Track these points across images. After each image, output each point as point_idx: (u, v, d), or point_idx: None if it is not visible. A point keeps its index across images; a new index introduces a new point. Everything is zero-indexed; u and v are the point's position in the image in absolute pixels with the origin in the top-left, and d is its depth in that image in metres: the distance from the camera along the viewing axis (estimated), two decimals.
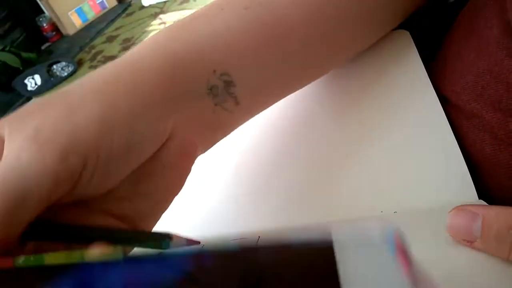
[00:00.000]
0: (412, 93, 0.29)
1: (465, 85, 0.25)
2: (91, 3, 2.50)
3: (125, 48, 2.12)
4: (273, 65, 0.24)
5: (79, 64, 2.12)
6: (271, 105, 0.27)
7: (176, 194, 0.21)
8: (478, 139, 0.24)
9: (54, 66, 2.05)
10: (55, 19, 2.38)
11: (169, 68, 0.20)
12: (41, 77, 1.99)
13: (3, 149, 0.16)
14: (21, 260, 0.14)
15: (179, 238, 0.17)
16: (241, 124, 0.25)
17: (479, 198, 0.24)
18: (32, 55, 2.16)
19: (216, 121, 0.22)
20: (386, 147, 0.27)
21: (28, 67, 2.08)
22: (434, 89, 0.28)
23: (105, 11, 2.58)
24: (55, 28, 2.40)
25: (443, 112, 0.27)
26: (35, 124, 0.16)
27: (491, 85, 0.23)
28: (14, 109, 1.72)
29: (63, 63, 2.07)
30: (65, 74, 2.03)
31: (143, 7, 2.53)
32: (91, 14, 2.52)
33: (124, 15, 2.54)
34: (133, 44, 2.14)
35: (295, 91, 0.28)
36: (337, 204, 0.26)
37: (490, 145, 0.23)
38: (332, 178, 0.27)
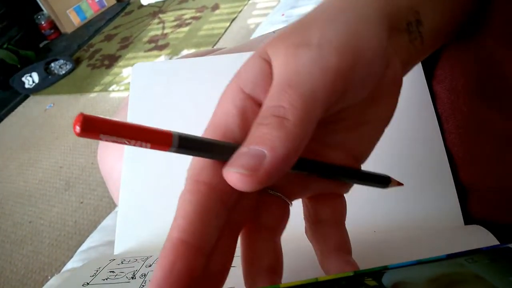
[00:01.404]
0: (409, 105, 0.29)
1: (464, 83, 0.25)
2: (89, 1, 2.50)
3: (123, 47, 2.12)
4: (450, 7, 0.23)
5: (77, 62, 2.11)
6: (439, 47, 0.26)
7: (387, 125, 0.21)
8: (479, 138, 0.25)
9: (52, 64, 2.04)
10: (53, 17, 2.38)
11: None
12: (38, 75, 1.99)
13: (271, 72, 0.17)
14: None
15: (394, 181, 0.20)
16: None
17: (476, 192, 0.24)
18: (30, 53, 2.16)
19: (406, 57, 0.22)
20: (376, 159, 0.28)
21: (26, 64, 2.07)
22: (435, 88, 0.29)
23: (103, 9, 2.58)
24: (53, 26, 2.39)
25: (438, 126, 0.28)
26: (306, 36, 0.17)
27: (490, 78, 0.24)
28: (11, 107, 1.71)
29: (61, 61, 2.06)
30: (63, 72, 2.03)
31: (141, 6, 2.53)
32: (90, 12, 2.52)
33: (122, 13, 2.53)
34: (132, 43, 2.13)
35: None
36: None
37: (491, 144, 0.24)
38: None
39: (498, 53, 0.23)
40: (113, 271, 0.23)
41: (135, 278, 0.21)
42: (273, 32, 0.38)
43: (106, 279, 0.22)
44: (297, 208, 0.27)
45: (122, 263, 0.24)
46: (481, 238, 0.22)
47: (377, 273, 0.16)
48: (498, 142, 0.23)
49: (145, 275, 0.22)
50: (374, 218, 0.26)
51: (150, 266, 0.23)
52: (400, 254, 0.21)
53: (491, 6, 0.25)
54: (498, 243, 0.21)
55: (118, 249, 0.28)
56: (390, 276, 0.15)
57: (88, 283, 0.22)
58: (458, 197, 0.26)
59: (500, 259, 0.16)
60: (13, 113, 1.92)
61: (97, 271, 0.23)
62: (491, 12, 0.24)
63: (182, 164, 0.30)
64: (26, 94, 1.99)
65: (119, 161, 0.32)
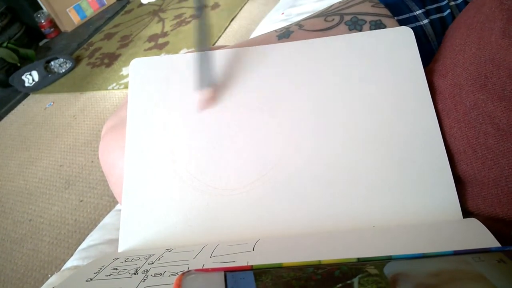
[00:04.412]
0: (408, 99, 0.29)
1: (468, 76, 0.26)
2: (89, 0, 2.49)
3: (123, 46, 2.12)
4: None
5: (77, 61, 2.11)
6: None
7: None
8: (482, 131, 0.25)
9: (52, 63, 2.04)
10: (53, 16, 2.37)
11: None
12: (38, 73, 1.99)
13: None
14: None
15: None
16: None
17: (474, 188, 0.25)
18: (30, 51, 2.16)
19: None
20: (375, 154, 0.28)
21: (26, 63, 2.07)
22: (436, 83, 0.29)
23: (103, 8, 2.57)
24: (53, 24, 2.39)
25: (437, 121, 0.28)
26: None
27: (494, 73, 0.24)
28: (11, 105, 1.71)
29: (61, 60, 2.06)
30: (63, 70, 2.02)
31: (141, 4, 2.52)
32: (90, 11, 2.52)
33: (122, 12, 2.53)
34: (131, 41, 2.13)
35: None
36: (328, 214, 0.27)
37: (494, 136, 0.24)
38: (323, 186, 0.28)
39: (501, 47, 0.23)
40: (116, 269, 0.23)
41: (137, 274, 0.22)
42: (275, 31, 0.38)
43: (109, 275, 0.22)
44: (297, 209, 0.28)
45: (125, 261, 0.24)
46: (476, 232, 0.22)
47: (380, 262, 0.16)
48: (501, 134, 0.24)
49: (147, 270, 0.22)
50: (373, 213, 0.26)
51: (152, 263, 0.23)
52: (400, 249, 0.21)
53: (494, 3, 0.25)
54: (492, 237, 0.21)
55: (122, 247, 0.28)
56: (392, 266, 0.16)
57: (91, 279, 0.22)
58: (456, 191, 0.26)
59: (508, 260, 0.16)
60: (13, 112, 1.92)
61: (100, 268, 0.23)
62: (494, 8, 0.25)
63: (184, 162, 0.30)
64: (26, 92, 1.99)
65: (120, 158, 0.32)
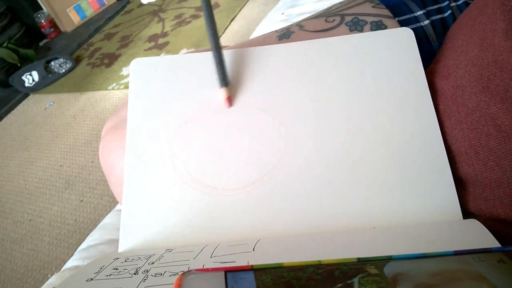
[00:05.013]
0: (407, 100, 0.29)
1: (470, 78, 0.26)
2: (89, 0, 2.50)
3: (123, 46, 2.12)
4: None
5: (77, 61, 2.11)
6: None
7: None
8: (484, 133, 0.25)
9: (52, 63, 2.04)
10: (53, 16, 2.38)
11: None
12: (38, 73, 1.99)
13: None
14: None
15: None
16: None
17: (477, 187, 0.25)
18: (30, 52, 2.16)
19: None
20: (375, 155, 0.28)
21: (26, 63, 2.07)
22: (438, 84, 0.29)
23: (103, 8, 2.57)
24: (53, 24, 2.39)
25: (437, 121, 0.28)
26: None
27: (496, 75, 0.24)
28: (11, 105, 1.72)
29: (61, 60, 2.06)
30: (63, 70, 2.03)
31: (141, 4, 2.53)
32: (90, 11, 2.52)
33: (122, 12, 2.53)
34: (132, 41, 2.13)
35: None
36: (328, 214, 0.27)
37: (496, 138, 0.24)
38: (323, 186, 0.28)
39: (504, 49, 0.24)
40: (116, 268, 0.23)
41: (137, 274, 0.22)
42: (275, 31, 0.38)
43: (110, 275, 0.22)
44: (297, 209, 0.28)
45: (125, 261, 0.24)
46: (476, 232, 0.22)
47: (380, 262, 0.16)
48: (503, 136, 0.24)
49: (147, 271, 0.22)
50: (373, 213, 0.26)
51: (153, 263, 0.23)
52: (400, 249, 0.21)
53: (496, 4, 0.25)
54: (492, 237, 0.21)
55: (122, 247, 0.28)
56: (393, 266, 0.16)
57: (92, 279, 0.22)
58: (457, 192, 0.26)
59: (508, 260, 0.16)
60: (13, 112, 1.92)
61: (101, 268, 0.23)
62: (496, 9, 0.25)
63: (184, 163, 0.30)
64: (26, 92, 1.99)
65: (121, 158, 0.32)
